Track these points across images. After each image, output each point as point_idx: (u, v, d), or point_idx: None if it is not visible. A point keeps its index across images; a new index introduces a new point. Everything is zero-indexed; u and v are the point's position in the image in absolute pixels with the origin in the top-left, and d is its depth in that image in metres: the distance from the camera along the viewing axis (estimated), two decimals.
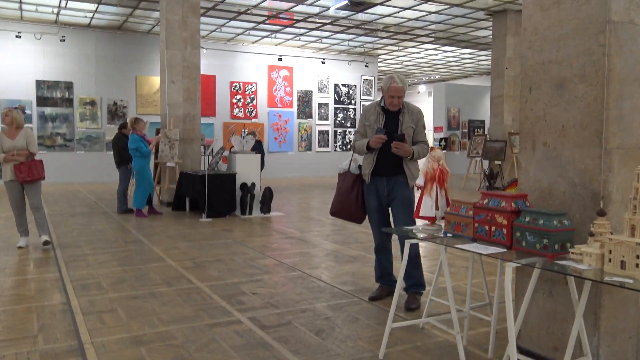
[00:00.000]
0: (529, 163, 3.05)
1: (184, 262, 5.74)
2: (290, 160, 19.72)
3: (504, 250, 2.69)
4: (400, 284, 3.30)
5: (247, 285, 4.79)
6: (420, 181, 3.28)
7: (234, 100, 18.65)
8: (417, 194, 3.90)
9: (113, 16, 15.28)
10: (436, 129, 23.78)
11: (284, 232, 7.79)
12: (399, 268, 3.37)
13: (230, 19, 15.59)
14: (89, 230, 7.71)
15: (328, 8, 14.40)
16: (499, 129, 14.93)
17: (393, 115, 4.14)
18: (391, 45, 19.43)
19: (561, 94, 2.84)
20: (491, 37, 16.38)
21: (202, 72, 12.66)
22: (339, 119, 20.85)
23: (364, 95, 21.34)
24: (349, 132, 21.10)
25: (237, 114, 18.68)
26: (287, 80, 19.65)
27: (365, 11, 14.74)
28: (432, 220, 3.27)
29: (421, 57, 21.99)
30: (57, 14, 14.84)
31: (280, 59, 19.10)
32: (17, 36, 15.16)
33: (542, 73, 2.93)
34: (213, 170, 9.57)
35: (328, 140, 20.64)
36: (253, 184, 9.31)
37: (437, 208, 3.23)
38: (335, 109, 20.76)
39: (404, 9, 14.40)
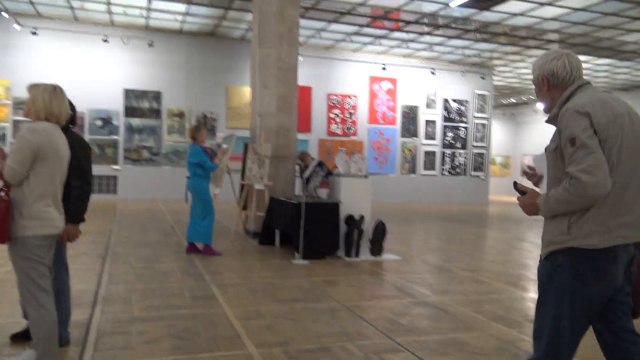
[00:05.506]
0: None
1: (271, 349, 3.63)
2: (392, 184, 17.43)
3: None
4: None
5: None
6: None
7: (332, 115, 16.73)
8: None
9: (204, 19, 13.94)
10: None
11: (411, 291, 5.52)
12: None
13: (331, 21, 13.74)
14: (150, 273, 5.87)
15: (447, 5, 12.13)
16: None
17: None
18: (512, 54, 16.73)
19: None
20: None
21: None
22: (447, 138, 18.32)
23: (477, 112, 18.69)
24: (459, 153, 18.48)
25: (334, 130, 16.73)
26: (390, 93, 17.49)
27: (492, 8, 12.33)
28: None
29: None
30: (147, 17, 13.70)
31: (384, 68, 16.99)
32: (104, 40, 14.17)
33: None
34: (312, 197, 7.53)
35: (434, 162, 18.15)
36: (362, 217, 7.16)
37: None
38: (444, 127, 18.26)
39: (541, 4, 11.82)
